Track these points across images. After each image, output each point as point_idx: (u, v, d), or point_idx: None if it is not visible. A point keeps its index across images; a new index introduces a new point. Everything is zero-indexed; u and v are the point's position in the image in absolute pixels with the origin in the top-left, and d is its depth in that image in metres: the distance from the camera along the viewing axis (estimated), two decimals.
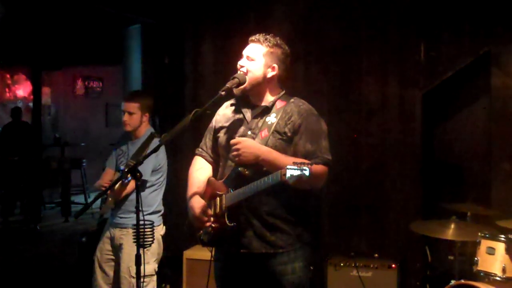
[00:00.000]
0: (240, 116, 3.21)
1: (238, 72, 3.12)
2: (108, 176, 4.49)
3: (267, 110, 3.14)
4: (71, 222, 4.62)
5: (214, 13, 5.90)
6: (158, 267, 4.49)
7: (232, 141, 3.01)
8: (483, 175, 5.11)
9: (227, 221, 3.00)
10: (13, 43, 9.59)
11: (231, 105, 3.29)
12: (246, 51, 3.17)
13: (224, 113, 3.31)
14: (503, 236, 3.77)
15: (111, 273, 4.44)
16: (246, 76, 3.09)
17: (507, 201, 4.76)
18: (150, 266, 4.24)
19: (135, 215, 4.29)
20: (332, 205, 5.38)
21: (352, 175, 5.32)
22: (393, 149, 5.25)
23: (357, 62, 5.37)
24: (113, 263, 4.44)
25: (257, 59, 3.12)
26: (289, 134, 3.06)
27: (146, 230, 3.69)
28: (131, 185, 4.18)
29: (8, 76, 13.37)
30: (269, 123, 3.09)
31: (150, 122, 4.56)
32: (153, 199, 4.40)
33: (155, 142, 4.22)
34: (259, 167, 2.99)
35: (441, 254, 4.79)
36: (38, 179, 9.56)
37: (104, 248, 4.45)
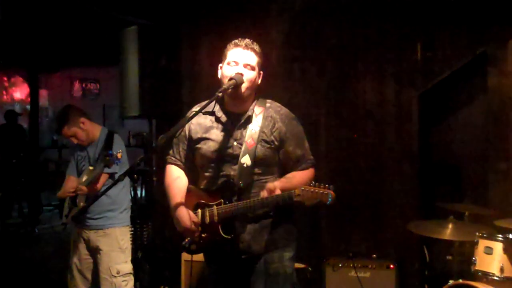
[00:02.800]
0: (219, 125, 3.17)
1: (229, 80, 3.05)
2: (70, 183, 4.51)
3: (248, 119, 3.14)
4: (69, 224, 4.62)
5: (211, 14, 5.90)
6: (157, 268, 4.51)
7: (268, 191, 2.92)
8: (481, 175, 5.11)
9: (221, 233, 3.03)
10: (10, 46, 9.58)
11: (204, 113, 3.18)
12: (243, 59, 3.09)
13: (199, 122, 3.22)
14: (500, 236, 3.77)
15: (90, 276, 4.48)
16: (244, 85, 3.06)
17: (504, 200, 4.76)
18: (129, 265, 4.27)
19: (112, 215, 4.37)
20: (330, 206, 5.36)
21: (350, 176, 5.31)
22: (390, 149, 5.25)
23: (354, 62, 5.37)
24: (92, 267, 4.47)
25: (255, 68, 3.11)
26: (276, 143, 3.11)
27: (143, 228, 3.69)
28: (102, 180, 4.24)
29: (5, 78, 13.37)
30: (252, 131, 3.09)
31: (94, 121, 4.62)
32: (124, 196, 4.42)
33: (116, 136, 4.31)
34: (252, 179, 3.06)
35: (439, 254, 4.79)
36: (36, 182, 9.55)
37: (81, 253, 4.47)
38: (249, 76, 3.09)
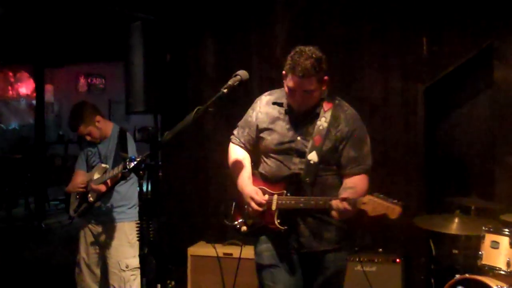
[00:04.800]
0: (287, 118, 3.19)
1: (298, 106, 3.10)
2: (79, 177, 4.53)
3: (316, 115, 3.15)
4: (75, 219, 4.63)
5: (216, 9, 5.89)
6: (163, 263, 4.53)
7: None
8: (487, 169, 5.10)
9: (277, 223, 3.07)
10: (15, 41, 9.59)
11: (274, 103, 3.25)
12: (301, 87, 3.02)
13: (267, 112, 3.26)
14: (507, 230, 3.77)
15: (98, 271, 4.50)
16: (307, 106, 3.10)
17: (510, 195, 4.75)
18: (137, 259, 4.29)
19: (121, 210, 4.39)
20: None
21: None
22: (396, 143, 5.24)
23: (360, 56, 5.36)
24: (99, 261, 4.49)
25: (314, 89, 3.05)
26: (337, 144, 3.12)
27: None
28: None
29: (10, 74, 13.40)
30: (320, 128, 3.11)
31: (105, 117, 4.62)
32: (133, 192, 4.44)
33: (128, 135, 4.32)
34: (317, 175, 3.09)
35: (445, 248, 4.78)
36: (42, 177, 9.58)
37: (89, 248, 4.50)
38: (310, 98, 3.08)
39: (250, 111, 3.37)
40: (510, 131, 4.92)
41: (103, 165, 4.38)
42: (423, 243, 5.03)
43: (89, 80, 13.40)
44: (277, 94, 3.27)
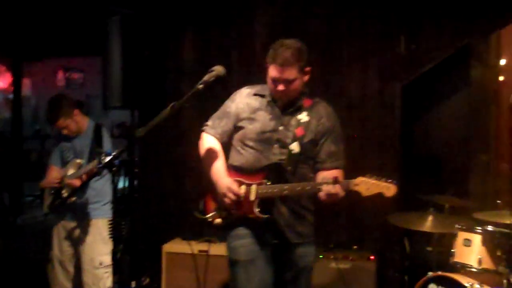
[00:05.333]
0: (269, 109, 3.26)
1: (280, 97, 3.18)
2: (53, 173, 4.49)
3: (298, 108, 3.24)
4: (51, 215, 4.61)
5: (196, 4, 5.87)
6: (138, 260, 4.50)
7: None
8: (462, 167, 5.15)
9: (256, 212, 3.09)
10: None
11: (255, 94, 3.33)
12: (282, 76, 3.11)
13: (248, 103, 3.32)
14: (479, 228, 3.81)
15: (71, 269, 4.47)
16: (289, 96, 3.18)
17: (484, 193, 4.80)
18: (109, 256, 4.27)
19: (95, 207, 4.36)
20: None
21: None
22: (373, 141, 5.25)
23: (338, 54, 5.37)
24: (73, 258, 4.45)
25: (295, 77, 3.14)
26: (318, 137, 3.22)
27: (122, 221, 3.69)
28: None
29: None
30: (301, 121, 3.20)
31: (82, 111, 4.61)
32: (108, 188, 4.42)
33: (104, 130, 4.30)
34: (297, 165, 3.16)
35: (419, 246, 4.82)
36: (18, 172, 9.48)
37: (63, 244, 4.46)
38: (292, 87, 3.15)
39: (228, 102, 3.41)
40: (485, 129, 4.97)
41: (78, 160, 4.35)
42: (397, 240, 5.07)
43: (67, 75, 13.25)
44: (258, 88, 3.35)
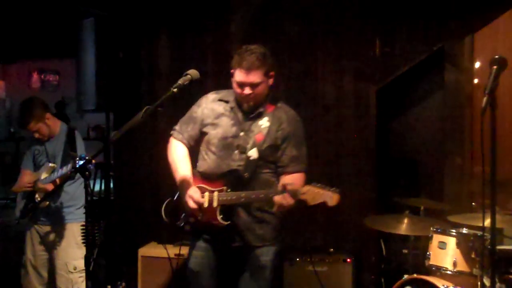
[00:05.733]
0: (232, 114, 3.35)
1: (247, 101, 3.27)
2: (26, 177, 4.44)
3: (260, 114, 3.33)
4: (23, 219, 4.57)
5: (171, 6, 5.83)
6: (114, 263, 4.48)
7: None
8: (437, 170, 5.18)
9: (219, 219, 3.18)
10: None
11: (220, 100, 3.42)
12: (247, 81, 3.21)
13: (213, 108, 3.41)
14: (454, 230, 3.82)
15: (45, 273, 4.42)
16: (254, 96, 3.25)
17: (458, 195, 4.84)
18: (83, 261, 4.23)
19: (69, 211, 4.31)
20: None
21: (308, 170, 5.30)
22: (348, 143, 5.26)
23: (313, 56, 5.36)
24: (46, 263, 4.41)
25: (261, 81, 3.24)
26: (278, 142, 3.31)
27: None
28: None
29: None
30: (262, 127, 3.29)
31: (53, 114, 4.54)
32: (82, 192, 4.36)
33: (77, 133, 4.25)
34: (255, 171, 3.25)
35: (395, 248, 4.85)
36: None
37: (36, 249, 4.41)
38: (257, 91, 3.25)
39: (194, 107, 3.49)
40: (460, 132, 5.01)
41: (51, 164, 4.30)
42: (374, 243, 5.09)
43: (42, 76, 13.11)
44: (223, 93, 3.45)
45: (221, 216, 3.19)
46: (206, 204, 3.22)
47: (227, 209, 3.21)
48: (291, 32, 5.41)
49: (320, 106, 5.31)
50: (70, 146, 4.24)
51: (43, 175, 4.28)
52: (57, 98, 12.64)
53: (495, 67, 2.50)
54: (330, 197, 2.85)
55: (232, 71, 3.26)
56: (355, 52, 5.23)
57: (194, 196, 3.22)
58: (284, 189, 2.92)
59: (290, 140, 3.31)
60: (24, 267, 4.47)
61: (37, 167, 4.44)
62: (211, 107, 3.42)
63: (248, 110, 3.33)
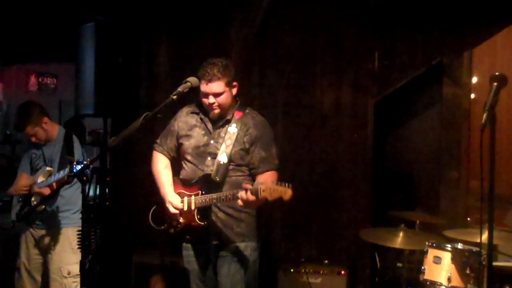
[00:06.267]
0: (202, 125, 3.61)
1: (212, 109, 3.48)
2: (22, 180, 4.43)
3: (227, 121, 3.56)
4: (18, 223, 4.56)
5: (171, 13, 5.84)
6: (108, 270, 4.46)
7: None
8: (433, 184, 5.19)
9: (197, 220, 3.46)
10: None
11: (192, 112, 3.68)
12: (211, 91, 3.43)
13: (186, 120, 3.68)
14: (449, 245, 3.82)
15: (39, 277, 4.40)
16: (220, 106, 3.48)
17: (454, 210, 4.83)
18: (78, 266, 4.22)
19: (65, 215, 4.29)
20: (284, 211, 5.37)
21: (304, 182, 5.32)
22: (345, 156, 5.28)
23: (312, 68, 5.39)
24: (40, 267, 4.38)
25: (223, 91, 3.45)
26: (247, 146, 3.54)
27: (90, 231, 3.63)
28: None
29: None
30: (231, 133, 3.53)
31: (55, 119, 4.52)
32: (78, 197, 4.36)
33: (74, 138, 4.25)
34: (226, 175, 3.49)
35: (389, 262, 4.83)
36: None
37: (31, 253, 4.38)
38: (221, 100, 3.47)
39: (172, 121, 3.77)
40: (456, 147, 5.01)
41: (48, 168, 4.29)
42: (368, 255, 5.09)
43: (40, 79, 13.08)
44: (194, 106, 3.70)
45: (198, 217, 3.46)
46: (185, 208, 3.50)
47: (204, 210, 3.47)
48: (290, 43, 5.43)
49: (318, 117, 5.32)
50: (67, 151, 4.24)
51: (40, 179, 4.27)
52: (54, 102, 12.62)
53: (495, 83, 2.50)
54: (285, 192, 3.05)
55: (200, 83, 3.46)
56: (354, 64, 5.26)
57: (174, 202, 3.52)
58: (246, 189, 3.12)
59: (258, 143, 3.54)
60: (18, 271, 4.44)
61: (34, 170, 4.42)
62: (185, 120, 3.69)
63: (215, 119, 3.56)
